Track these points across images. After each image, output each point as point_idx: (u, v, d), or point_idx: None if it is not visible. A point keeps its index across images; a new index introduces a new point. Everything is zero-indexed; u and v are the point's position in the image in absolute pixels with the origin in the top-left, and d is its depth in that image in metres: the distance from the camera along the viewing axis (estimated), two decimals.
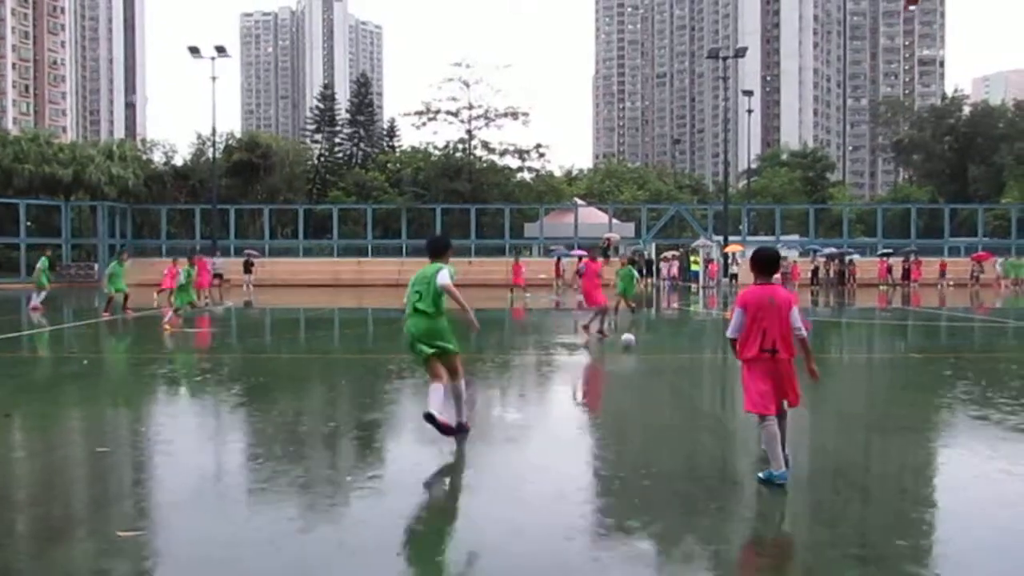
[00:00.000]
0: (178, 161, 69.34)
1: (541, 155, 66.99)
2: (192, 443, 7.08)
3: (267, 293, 36.32)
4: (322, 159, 75.30)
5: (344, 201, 62.36)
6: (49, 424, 7.99)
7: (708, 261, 45.77)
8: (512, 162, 67.53)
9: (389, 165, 72.10)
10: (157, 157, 69.30)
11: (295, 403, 9.10)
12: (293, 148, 73.92)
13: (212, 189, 51.45)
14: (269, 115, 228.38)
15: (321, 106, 79.76)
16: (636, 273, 17.06)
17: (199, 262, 27.11)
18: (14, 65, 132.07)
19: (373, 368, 11.66)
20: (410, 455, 6.61)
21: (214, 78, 49.24)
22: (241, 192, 63.51)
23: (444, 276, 6.63)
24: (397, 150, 79.11)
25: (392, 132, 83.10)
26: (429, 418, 6.42)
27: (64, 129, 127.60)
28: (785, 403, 5.72)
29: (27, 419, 8.25)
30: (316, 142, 77.72)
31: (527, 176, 68.11)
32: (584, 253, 45.02)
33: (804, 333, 5.64)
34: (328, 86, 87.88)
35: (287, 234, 62.94)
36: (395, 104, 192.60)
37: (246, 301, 30.88)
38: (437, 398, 6.49)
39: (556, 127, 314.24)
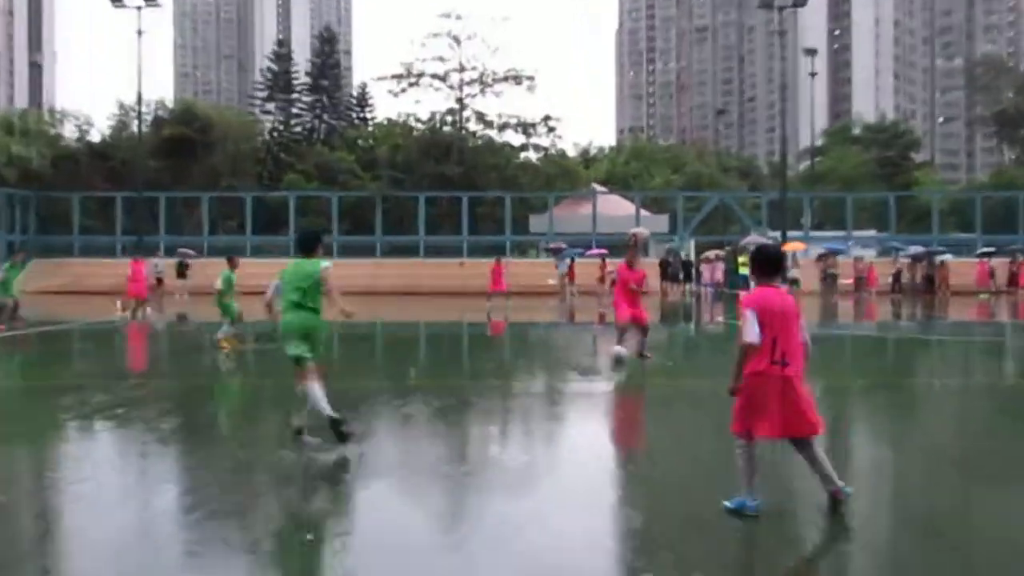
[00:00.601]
0: (95, 137, 69.44)
1: (551, 130, 67.14)
2: (112, 491, 7.04)
3: (206, 303, 36.26)
4: (275, 134, 75.41)
5: (303, 187, 62.44)
6: None
7: None
8: (514, 138, 67.67)
9: (360, 142, 72.22)
10: (68, 131, 69.40)
11: (241, 442, 9.07)
12: (239, 121, 74.03)
13: (137, 172, 51.55)
14: (209, 79, 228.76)
15: (274, 68, 79.97)
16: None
17: (134, 265, 27.10)
18: None
19: (336, 399, 11.66)
20: (385, 506, 6.58)
21: (140, 32, 49.34)
22: (174, 176, 63.57)
23: (326, 272, 8.29)
24: (370, 123, 79.23)
25: (363, 101, 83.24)
26: (336, 423, 8.05)
27: None
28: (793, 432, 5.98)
29: None
30: (268, 113, 77.87)
31: (533, 156, 68.20)
32: (605, 252, 45.36)
33: (809, 348, 6.12)
34: (283, 43, 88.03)
35: (232, 228, 62.85)
36: (367, 66, 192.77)
37: (180, 314, 30.86)
38: (319, 397, 8.23)
39: (569, 95, 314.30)
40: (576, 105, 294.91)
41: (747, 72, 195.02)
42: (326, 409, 8.22)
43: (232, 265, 17.91)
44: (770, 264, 6.21)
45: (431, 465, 7.81)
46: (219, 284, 17.55)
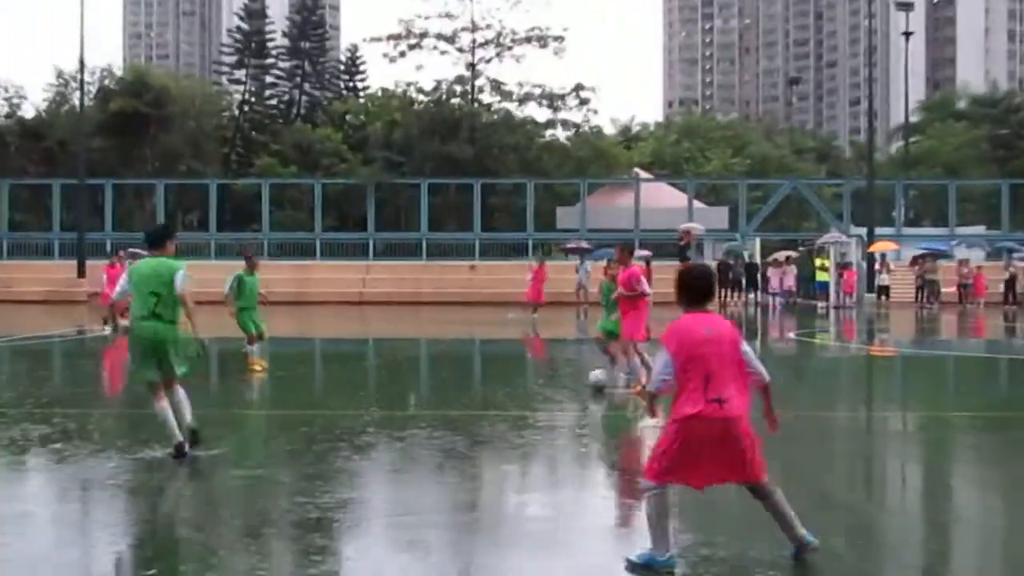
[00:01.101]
0: (27, 111, 69.89)
1: (584, 102, 67.10)
2: (53, 536, 7.08)
3: None
4: (247, 108, 75.77)
5: (279, 173, 62.67)
6: None
7: (843, 267, 45.57)
8: (538, 113, 67.62)
9: (349, 117, 72.40)
10: None
11: (205, 483, 9.11)
12: (202, 92, 74.39)
13: (79, 154, 51.75)
14: (166, 41, 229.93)
15: (245, 27, 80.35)
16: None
17: (110, 270, 27.39)
18: None
19: (320, 431, 11.67)
20: (379, 562, 6.59)
21: None
22: (123, 159, 63.94)
23: (183, 281, 9.28)
24: (361, 94, 79.43)
25: (354, 67, 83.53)
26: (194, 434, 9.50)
27: None
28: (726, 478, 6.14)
29: None
30: (238, 82, 78.22)
31: (561, 135, 68.17)
32: (649, 254, 45.17)
33: (767, 379, 6.32)
34: None
35: (192, 223, 63.18)
36: (358, 25, 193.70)
37: (126, 327, 30.99)
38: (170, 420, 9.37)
39: (607, 60, 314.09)
40: (614, 72, 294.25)
41: (826, 31, 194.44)
42: (174, 432, 9.38)
43: (250, 266, 17.54)
44: (699, 288, 6.36)
45: (434, 514, 7.81)
46: (227, 289, 17.08)
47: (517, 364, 21.63)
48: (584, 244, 47.41)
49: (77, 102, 59.41)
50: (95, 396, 15.66)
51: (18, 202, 58.37)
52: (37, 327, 28.02)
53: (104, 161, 60.74)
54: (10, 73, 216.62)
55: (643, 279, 14.42)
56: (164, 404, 9.34)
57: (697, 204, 56.51)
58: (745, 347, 6.20)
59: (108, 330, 26.37)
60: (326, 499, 8.11)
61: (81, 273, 46.86)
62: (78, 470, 9.63)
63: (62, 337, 25.21)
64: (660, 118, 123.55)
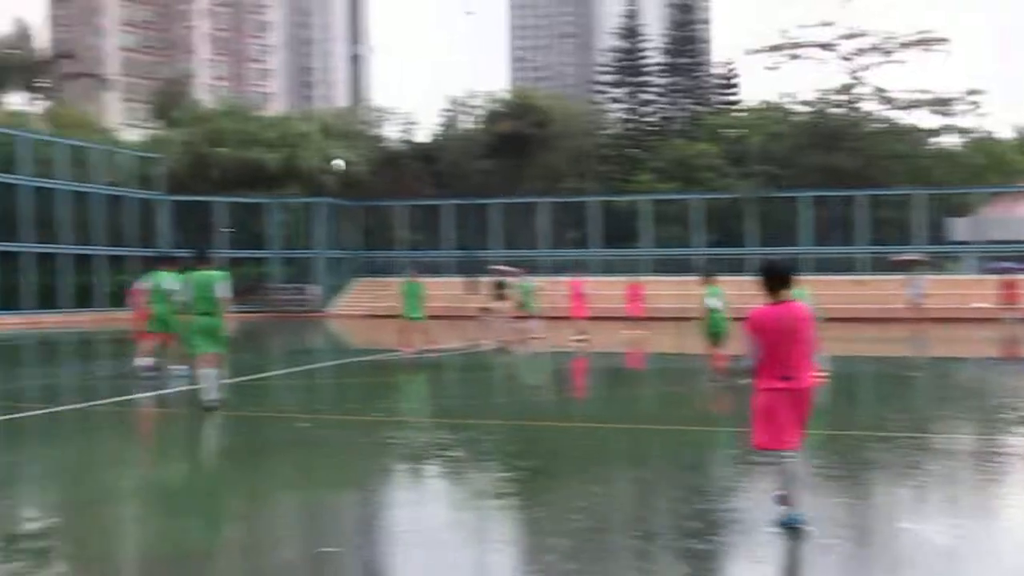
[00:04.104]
0: (419, 136, 73.70)
1: (974, 106, 63.88)
2: (452, 542, 7.44)
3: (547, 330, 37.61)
4: (625, 126, 76.76)
5: (658, 189, 63.18)
6: (253, 510, 8.87)
7: None
8: (925, 119, 64.99)
9: (732, 131, 72.06)
10: (390, 131, 74.26)
11: (585, 495, 9.34)
12: (582, 111, 75.95)
13: (470, 175, 54.02)
14: (548, 63, 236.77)
15: (624, 46, 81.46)
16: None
17: (631, 289, 29.50)
18: (208, 12, 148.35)
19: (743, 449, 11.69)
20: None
21: (470, 13, 52.14)
22: (508, 179, 66.28)
23: None
24: (736, 107, 78.86)
25: (729, 81, 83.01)
26: None
27: (268, 96, 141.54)
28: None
29: (223, 505, 9.26)
30: (616, 101, 79.47)
31: (950, 142, 65.20)
32: None
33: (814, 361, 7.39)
34: (632, 15, 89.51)
35: (574, 240, 64.80)
36: (729, 38, 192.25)
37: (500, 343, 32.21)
38: None
39: (994, 60, 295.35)
40: (1005, 73, 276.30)
41: None
42: None
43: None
44: (772, 280, 7.36)
45: (824, 533, 7.68)
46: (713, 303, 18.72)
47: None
48: (916, 256, 45.80)
49: (466, 126, 62.19)
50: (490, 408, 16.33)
51: (411, 222, 61.92)
52: (443, 340, 29.56)
53: (490, 181, 63.30)
54: (404, 101, 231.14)
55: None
56: None
57: None
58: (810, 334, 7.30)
59: (579, 340, 27.96)
60: (719, 506, 8.14)
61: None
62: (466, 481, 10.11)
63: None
64: None
